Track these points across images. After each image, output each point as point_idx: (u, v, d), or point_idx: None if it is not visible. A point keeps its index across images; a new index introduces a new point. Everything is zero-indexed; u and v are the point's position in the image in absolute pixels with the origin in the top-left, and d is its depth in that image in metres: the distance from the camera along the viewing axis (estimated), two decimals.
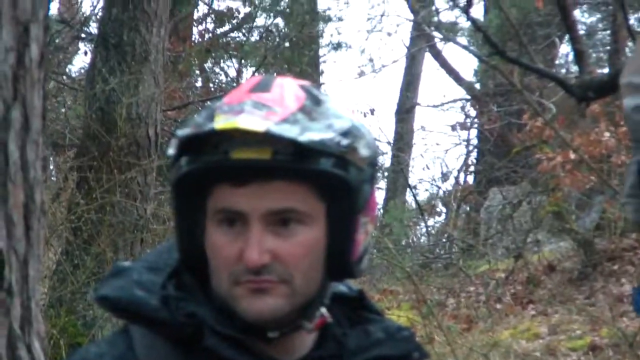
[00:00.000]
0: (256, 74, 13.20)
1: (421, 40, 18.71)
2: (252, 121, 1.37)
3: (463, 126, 18.38)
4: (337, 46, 18.67)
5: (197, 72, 15.02)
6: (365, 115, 16.71)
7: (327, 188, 1.42)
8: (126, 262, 1.61)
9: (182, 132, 1.45)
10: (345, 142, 1.41)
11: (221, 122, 1.38)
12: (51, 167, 10.09)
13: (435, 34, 17.25)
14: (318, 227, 1.44)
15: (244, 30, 15.93)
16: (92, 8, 14.17)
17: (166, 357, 1.45)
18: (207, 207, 1.46)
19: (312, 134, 1.39)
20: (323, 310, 1.50)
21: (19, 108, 2.10)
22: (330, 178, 1.41)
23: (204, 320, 1.42)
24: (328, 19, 18.27)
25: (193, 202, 1.46)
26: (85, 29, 14.00)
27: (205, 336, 1.41)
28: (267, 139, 1.36)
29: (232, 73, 15.85)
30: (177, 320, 1.41)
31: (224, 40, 15.57)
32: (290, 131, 1.37)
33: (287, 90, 1.46)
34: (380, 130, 18.65)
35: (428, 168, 18.14)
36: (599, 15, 18.36)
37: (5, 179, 2.03)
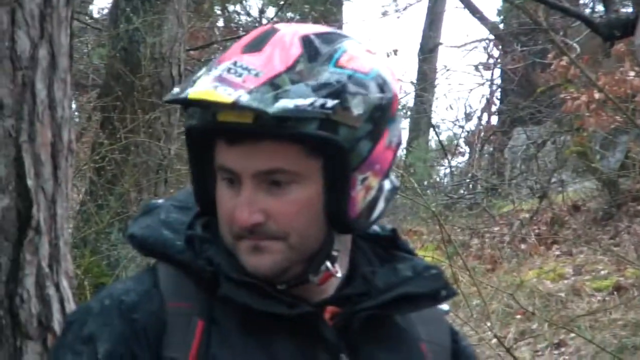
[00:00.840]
0: (279, 14, 13.51)
1: None
2: (222, 91, 1.40)
3: (486, 66, 18.53)
4: None
5: (219, 12, 15.17)
6: (388, 56, 16.73)
7: (317, 147, 1.44)
8: (159, 200, 1.68)
9: (169, 94, 1.52)
10: (331, 103, 1.42)
11: (196, 89, 1.43)
12: (74, 106, 10.25)
13: None
14: (313, 185, 1.47)
15: None
16: None
17: (189, 297, 1.50)
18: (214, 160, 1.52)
19: (288, 100, 1.40)
20: (328, 264, 1.52)
21: (46, 47, 2.11)
22: (316, 140, 1.43)
23: (219, 267, 1.47)
24: None
25: (201, 153, 1.51)
26: None
27: (220, 283, 1.47)
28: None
29: (255, 13, 16.01)
30: (199, 264, 1.46)
31: None
32: (261, 100, 1.39)
33: (281, 47, 1.48)
34: (403, 71, 18.87)
35: (451, 108, 18.30)
36: None
37: (32, 117, 2.05)
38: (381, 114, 1.51)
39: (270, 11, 15.18)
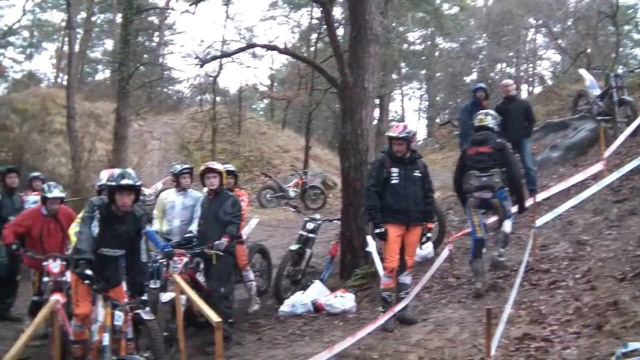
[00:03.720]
0: None
1: None
2: (397, 133, 7.89)
3: None
4: None
5: None
6: None
7: None
8: None
9: (387, 133, 8.17)
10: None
11: (391, 133, 7.99)
12: None
13: None
14: None
15: None
16: None
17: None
18: None
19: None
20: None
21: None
22: None
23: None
24: None
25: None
26: None
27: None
28: None
29: None
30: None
31: None
32: (403, 135, 7.87)
33: (403, 126, 7.87)
34: None
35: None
36: None
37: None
38: None
39: None
